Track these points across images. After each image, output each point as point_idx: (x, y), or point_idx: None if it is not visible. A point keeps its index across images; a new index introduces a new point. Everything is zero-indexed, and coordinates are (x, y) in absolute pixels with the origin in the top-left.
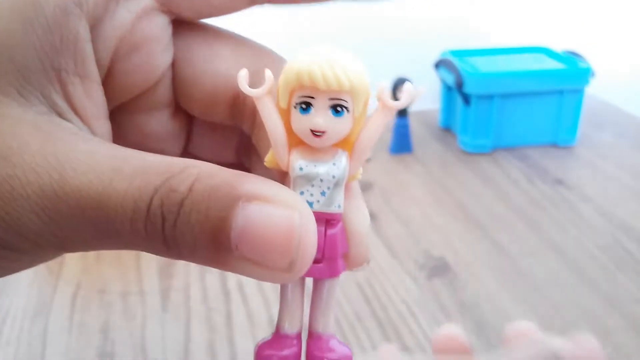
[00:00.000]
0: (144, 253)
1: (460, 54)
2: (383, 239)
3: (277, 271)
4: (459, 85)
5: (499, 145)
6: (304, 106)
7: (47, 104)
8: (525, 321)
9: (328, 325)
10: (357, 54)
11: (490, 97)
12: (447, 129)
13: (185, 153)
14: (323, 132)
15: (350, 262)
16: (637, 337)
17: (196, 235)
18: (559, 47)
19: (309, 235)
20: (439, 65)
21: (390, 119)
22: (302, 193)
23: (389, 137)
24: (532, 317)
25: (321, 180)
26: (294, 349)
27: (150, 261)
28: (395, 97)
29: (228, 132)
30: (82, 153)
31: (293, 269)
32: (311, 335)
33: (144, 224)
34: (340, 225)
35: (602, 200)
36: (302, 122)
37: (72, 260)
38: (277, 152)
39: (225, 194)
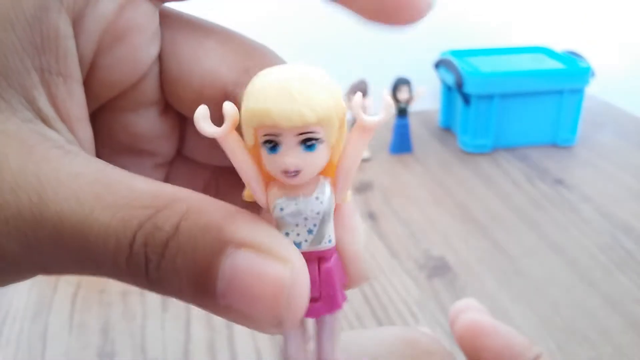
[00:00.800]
0: None
1: (460, 54)
2: (383, 239)
3: (265, 325)
4: (459, 85)
5: (499, 145)
6: (270, 145)
7: (31, 109)
8: (469, 299)
9: (334, 354)
10: (357, 54)
11: (490, 97)
12: (447, 129)
13: (180, 156)
14: (297, 171)
15: (352, 283)
16: (637, 337)
17: (181, 280)
18: (559, 47)
19: (301, 291)
20: (439, 65)
21: (370, 136)
22: (287, 234)
23: (389, 137)
24: (532, 317)
25: (305, 218)
26: None
27: None
28: (395, 98)
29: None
30: (65, 175)
31: (281, 325)
32: None
33: (125, 261)
34: (334, 256)
35: (602, 200)
36: (272, 163)
37: None
38: (253, 191)
39: (213, 237)
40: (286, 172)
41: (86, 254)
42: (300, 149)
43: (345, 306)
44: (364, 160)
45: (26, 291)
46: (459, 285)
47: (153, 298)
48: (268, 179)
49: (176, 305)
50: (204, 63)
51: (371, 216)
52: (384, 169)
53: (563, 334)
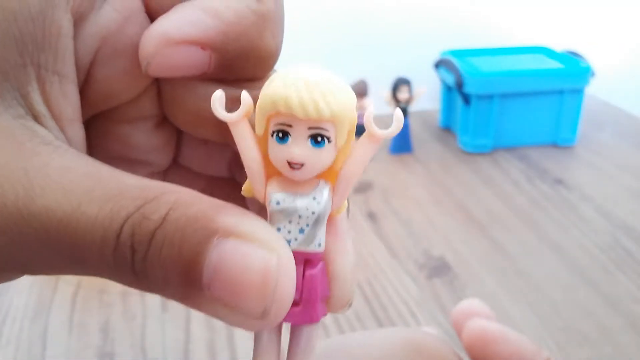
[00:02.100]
0: None
1: (460, 54)
2: (383, 239)
3: (250, 318)
4: (459, 85)
5: (499, 145)
6: (280, 135)
7: (24, 104)
8: (473, 299)
9: None
10: (357, 54)
11: (490, 97)
12: (447, 129)
13: (175, 165)
14: (301, 164)
15: (332, 305)
16: (637, 337)
17: (167, 271)
18: (559, 47)
19: (287, 281)
20: (439, 65)
21: (378, 148)
22: (279, 229)
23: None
24: (532, 317)
25: (299, 216)
26: None
27: None
28: (395, 98)
29: (220, 145)
30: (54, 169)
31: (267, 317)
32: None
33: (112, 253)
34: (320, 265)
35: (602, 200)
36: (279, 153)
37: None
38: (253, 182)
39: (200, 227)
40: (291, 163)
41: (72, 250)
42: (308, 143)
43: None
44: None
45: (26, 291)
46: (459, 285)
47: (153, 298)
48: (269, 174)
49: (176, 305)
50: (197, 89)
51: (371, 216)
52: (384, 169)
53: (563, 334)
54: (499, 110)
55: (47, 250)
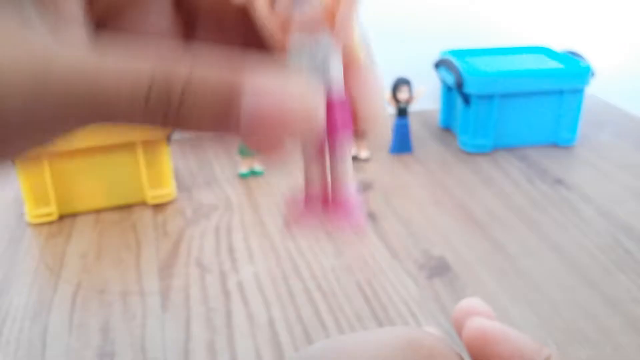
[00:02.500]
0: (144, 253)
1: (460, 54)
2: (383, 239)
3: (296, 135)
4: (459, 85)
5: (499, 145)
6: None
7: (24, 3)
8: (473, 298)
9: (345, 188)
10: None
11: (490, 97)
12: (447, 129)
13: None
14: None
15: (364, 122)
16: (637, 337)
17: (200, 121)
18: (559, 47)
19: (319, 114)
20: (439, 65)
21: None
22: None
23: (389, 137)
24: (532, 317)
25: (305, 58)
26: (314, 213)
27: (150, 261)
28: (395, 98)
29: (236, 28)
30: (60, 42)
31: (310, 132)
32: (330, 199)
33: (142, 112)
34: (339, 101)
35: (602, 200)
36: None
37: (72, 260)
38: (273, 33)
39: (228, 81)
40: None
41: (99, 108)
42: None
43: (346, 306)
44: (364, 160)
45: (26, 291)
46: (459, 285)
47: (153, 298)
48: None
49: (176, 305)
50: None
51: (371, 216)
52: (384, 169)
53: (563, 334)
54: (499, 110)
55: (72, 102)
